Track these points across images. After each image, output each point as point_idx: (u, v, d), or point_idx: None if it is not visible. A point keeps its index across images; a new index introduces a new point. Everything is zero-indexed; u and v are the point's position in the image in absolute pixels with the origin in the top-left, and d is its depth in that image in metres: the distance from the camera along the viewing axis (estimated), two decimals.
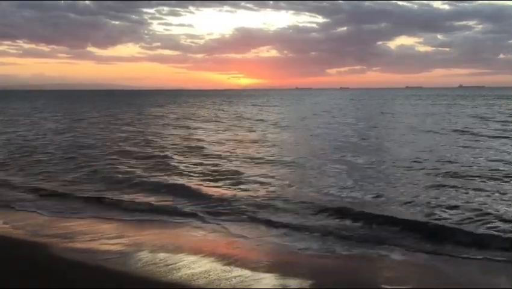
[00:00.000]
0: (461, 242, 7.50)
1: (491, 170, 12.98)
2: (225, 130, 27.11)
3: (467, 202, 9.67)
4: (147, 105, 68.98)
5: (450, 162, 14.51)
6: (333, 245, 7.55)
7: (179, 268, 6.31)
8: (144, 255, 6.86)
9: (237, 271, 6.20)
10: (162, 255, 6.84)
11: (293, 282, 5.86)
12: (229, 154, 17.12)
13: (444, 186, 11.17)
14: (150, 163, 15.41)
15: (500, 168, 13.17)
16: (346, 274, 6.30)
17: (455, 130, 24.41)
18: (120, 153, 17.74)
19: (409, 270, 6.46)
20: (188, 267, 6.38)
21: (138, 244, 7.41)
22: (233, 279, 5.94)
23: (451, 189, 10.86)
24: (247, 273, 6.17)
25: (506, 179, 11.82)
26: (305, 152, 17.66)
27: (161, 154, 17.28)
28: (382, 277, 6.20)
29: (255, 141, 21.22)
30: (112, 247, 7.24)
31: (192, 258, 6.72)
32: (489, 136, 21.13)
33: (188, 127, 29.48)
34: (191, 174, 13.37)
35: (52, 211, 9.69)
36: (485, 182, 11.59)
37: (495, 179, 11.80)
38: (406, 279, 6.13)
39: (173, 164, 15.17)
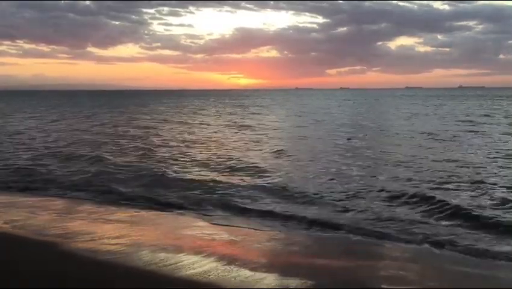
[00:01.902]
0: (456, 242, 7.54)
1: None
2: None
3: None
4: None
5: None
6: (333, 244, 7.58)
7: (179, 269, 6.31)
8: (145, 255, 6.86)
9: (237, 271, 6.20)
10: (162, 255, 6.85)
11: (293, 282, 5.85)
12: None
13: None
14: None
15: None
16: (345, 274, 6.30)
17: (422, 133, 24.09)
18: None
19: (410, 270, 6.46)
20: (189, 267, 6.38)
21: (138, 243, 7.42)
22: (233, 279, 5.94)
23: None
24: (247, 273, 6.17)
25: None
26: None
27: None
28: (382, 277, 6.20)
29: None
30: (113, 247, 7.24)
31: (192, 258, 6.73)
32: (445, 140, 20.98)
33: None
34: None
35: None
36: None
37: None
38: (407, 278, 6.13)
39: None
